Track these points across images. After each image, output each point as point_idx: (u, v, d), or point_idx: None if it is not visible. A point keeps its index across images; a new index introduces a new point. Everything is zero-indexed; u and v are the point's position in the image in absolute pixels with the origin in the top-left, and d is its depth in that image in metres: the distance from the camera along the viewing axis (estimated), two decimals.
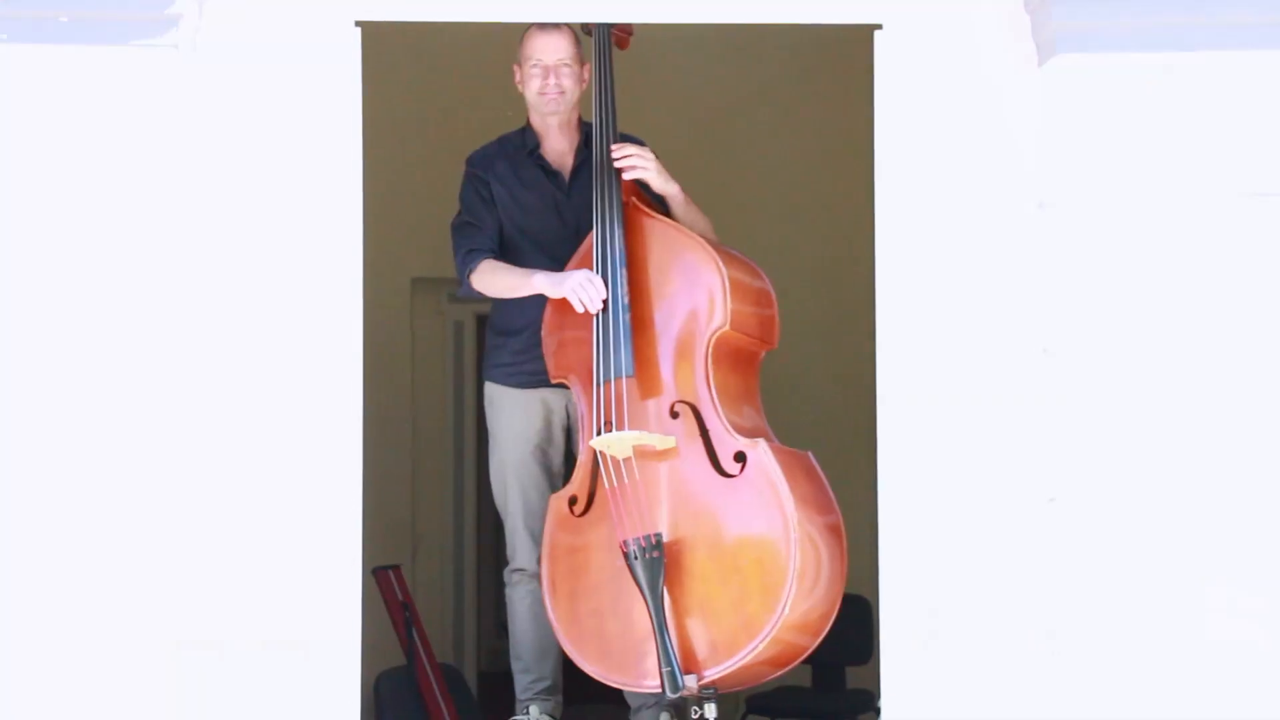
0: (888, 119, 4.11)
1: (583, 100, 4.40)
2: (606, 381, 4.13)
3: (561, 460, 4.44)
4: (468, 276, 4.34)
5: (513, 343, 4.44)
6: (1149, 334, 3.98)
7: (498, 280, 4.31)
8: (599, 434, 4.11)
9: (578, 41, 4.38)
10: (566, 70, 4.34)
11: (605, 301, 4.14)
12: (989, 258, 4.07)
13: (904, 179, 4.09)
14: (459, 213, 4.44)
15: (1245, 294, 3.99)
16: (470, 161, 4.47)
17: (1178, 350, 3.98)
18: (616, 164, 4.24)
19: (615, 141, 4.28)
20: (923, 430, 4.06)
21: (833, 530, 4.08)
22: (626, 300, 4.16)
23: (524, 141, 4.45)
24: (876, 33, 4.12)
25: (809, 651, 4.07)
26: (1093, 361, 3.99)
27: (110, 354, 3.94)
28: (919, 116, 4.08)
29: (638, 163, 4.24)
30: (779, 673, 4.12)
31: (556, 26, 4.34)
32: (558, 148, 4.44)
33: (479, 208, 4.40)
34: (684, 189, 4.33)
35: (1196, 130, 3.99)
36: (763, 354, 4.26)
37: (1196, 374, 3.98)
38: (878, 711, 4.20)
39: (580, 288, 4.14)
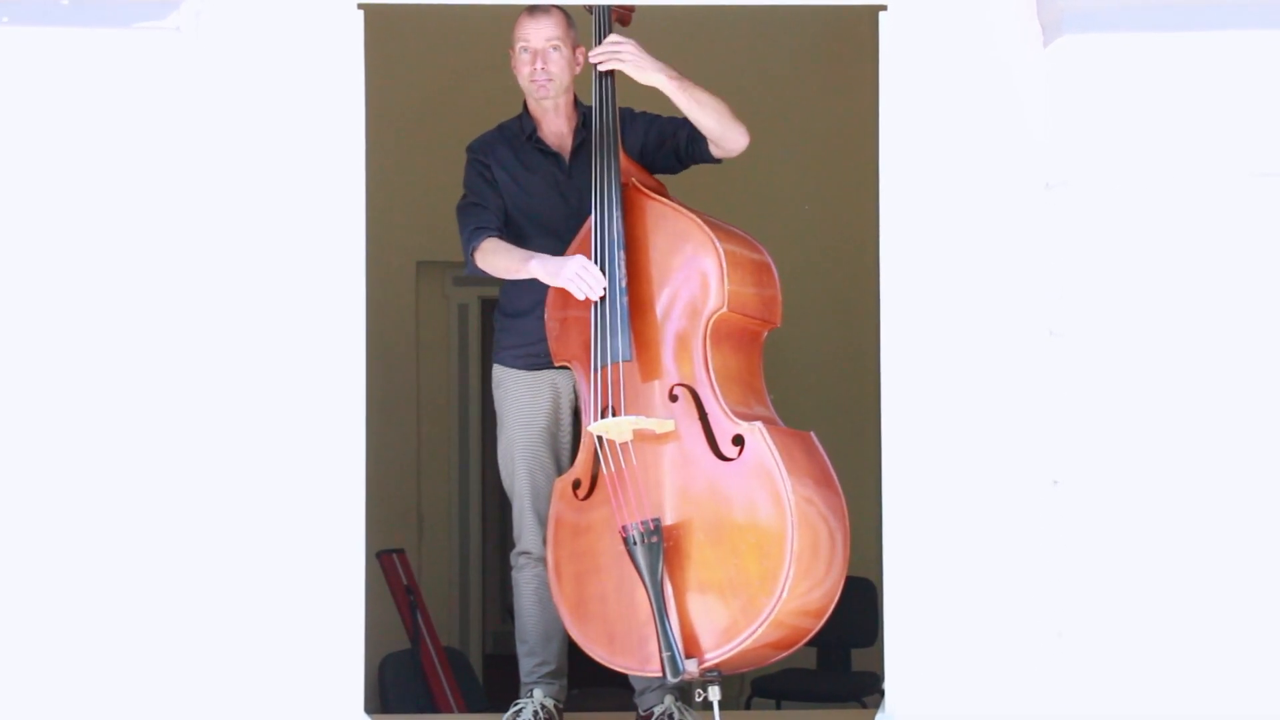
0: (893, 100, 4.09)
1: (583, 82, 4.38)
2: (604, 366, 4.12)
3: (570, 442, 4.44)
4: (472, 254, 4.33)
5: (520, 324, 4.43)
6: (1156, 316, 3.97)
7: (498, 261, 4.30)
8: (597, 419, 4.10)
9: (569, 25, 4.36)
10: (554, 54, 4.32)
11: (604, 288, 4.12)
12: (994, 238, 4.06)
13: (909, 160, 4.08)
14: (463, 195, 4.43)
15: (1254, 275, 3.97)
16: (471, 149, 4.46)
17: (1185, 332, 3.96)
18: (592, 59, 4.22)
19: (614, 124, 4.25)
20: (927, 411, 4.05)
21: (834, 512, 4.06)
22: (624, 284, 4.13)
23: (521, 127, 4.44)
24: (881, 13, 4.10)
25: (812, 634, 4.06)
26: (1099, 344, 3.97)
27: (110, 339, 3.93)
28: (924, 97, 4.07)
29: (611, 59, 4.20)
30: (783, 655, 4.12)
31: (546, 10, 4.32)
32: (556, 130, 4.43)
33: (483, 188, 4.39)
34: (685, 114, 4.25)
35: (1204, 110, 3.97)
36: (765, 333, 4.24)
37: (1204, 357, 3.96)
38: (882, 694, 4.19)
39: (577, 276, 4.12)
